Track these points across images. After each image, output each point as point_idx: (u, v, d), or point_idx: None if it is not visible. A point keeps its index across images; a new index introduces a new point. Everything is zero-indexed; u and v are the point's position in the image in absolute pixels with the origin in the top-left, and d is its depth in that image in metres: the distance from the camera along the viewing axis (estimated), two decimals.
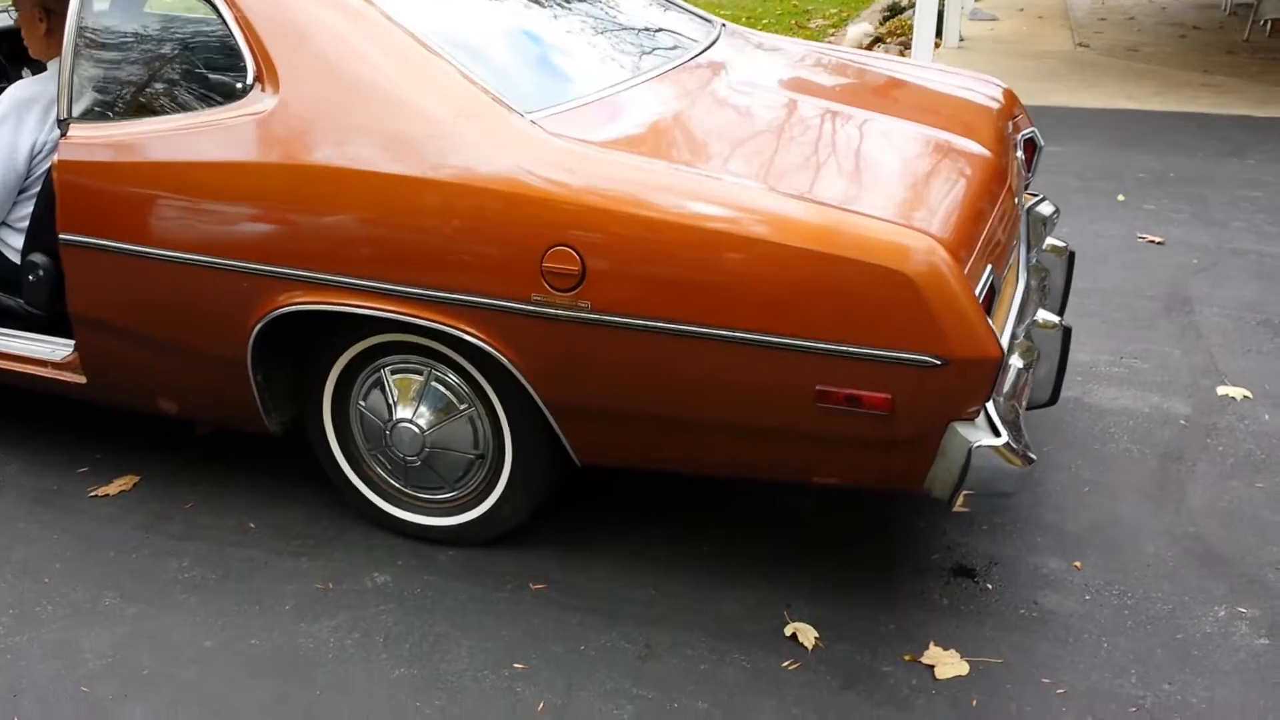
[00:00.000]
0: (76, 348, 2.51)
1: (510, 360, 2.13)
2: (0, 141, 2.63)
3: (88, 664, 2.10)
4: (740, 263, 1.94)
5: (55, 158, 2.37)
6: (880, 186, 2.16)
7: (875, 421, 1.95)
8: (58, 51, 2.72)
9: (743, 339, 1.95)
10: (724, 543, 2.47)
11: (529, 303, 2.07)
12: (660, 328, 2.00)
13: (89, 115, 2.40)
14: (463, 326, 2.14)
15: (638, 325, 2.02)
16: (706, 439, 2.14)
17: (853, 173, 2.23)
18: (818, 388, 1.95)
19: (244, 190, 2.22)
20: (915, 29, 6.72)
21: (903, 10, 10.62)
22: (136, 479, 2.68)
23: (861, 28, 9.20)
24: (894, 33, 9.14)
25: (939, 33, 7.53)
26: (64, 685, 2.05)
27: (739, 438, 2.11)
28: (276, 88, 2.22)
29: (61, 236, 2.38)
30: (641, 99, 2.43)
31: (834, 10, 11.79)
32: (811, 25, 10.29)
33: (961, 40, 8.64)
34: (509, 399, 2.27)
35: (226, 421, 2.58)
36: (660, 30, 2.94)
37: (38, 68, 3.21)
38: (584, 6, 2.84)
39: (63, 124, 2.40)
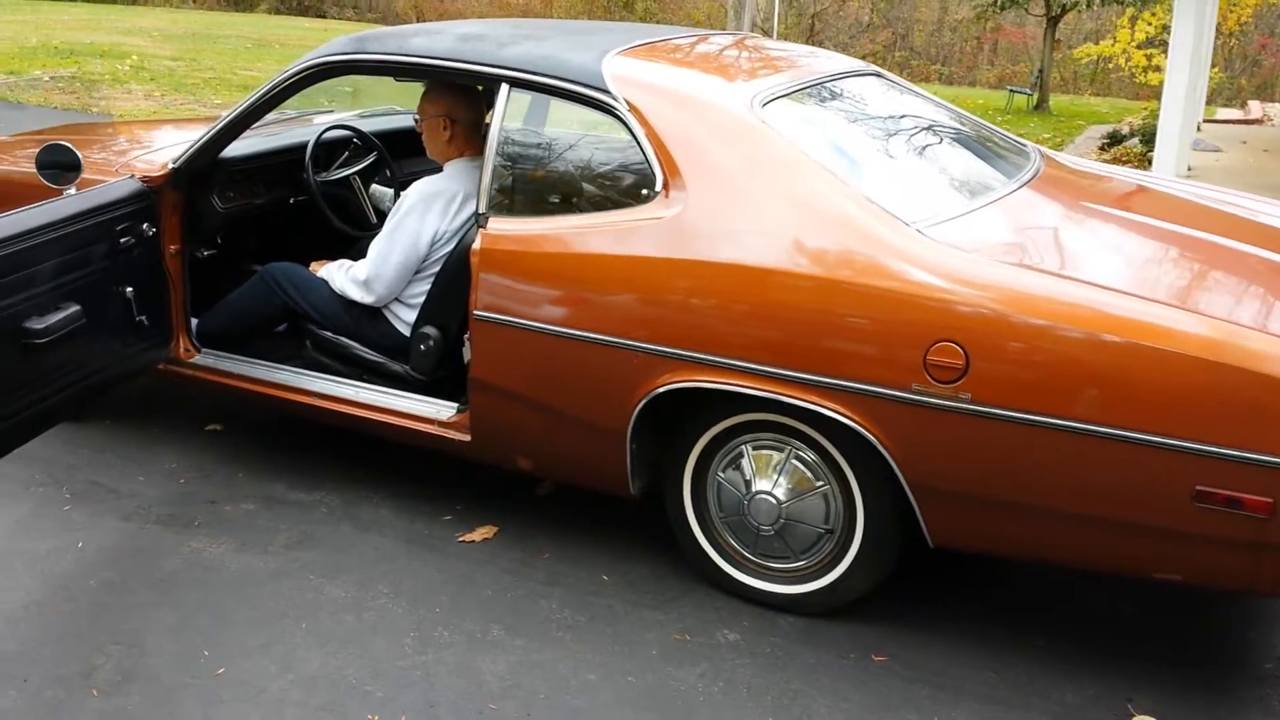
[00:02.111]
0: (469, 409, 2.87)
1: (881, 442, 2.36)
2: (408, 229, 3.07)
3: (490, 686, 2.38)
4: (1125, 367, 2.13)
5: (475, 246, 2.75)
6: (1249, 301, 2.33)
7: (1251, 524, 2.08)
8: (457, 154, 3.18)
9: (1125, 437, 2.12)
10: (1055, 635, 2.60)
11: (909, 391, 2.30)
12: (1039, 421, 2.20)
13: (504, 211, 2.79)
14: (838, 409, 2.38)
15: (1016, 418, 2.22)
16: (1067, 529, 2.30)
17: (1221, 286, 2.41)
18: (1197, 488, 2.09)
19: (649, 281, 2.54)
20: (1156, 159, 6.81)
21: (1123, 139, 10.66)
22: (496, 529, 3.00)
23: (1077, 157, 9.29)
24: (1119, 160, 9.19)
25: None
26: (473, 702, 2.33)
27: (1100, 530, 2.26)
28: (682, 194, 2.55)
29: (475, 313, 2.75)
30: (1008, 212, 2.69)
31: (1046, 135, 11.90)
32: None
33: (1190, 169, 8.63)
34: (865, 478, 2.49)
35: (587, 481, 2.88)
36: (999, 151, 3.20)
37: (425, 168, 3.67)
38: (932, 130, 3.13)
39: (480, 218, 2.79)
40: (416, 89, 3.47)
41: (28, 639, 2.47)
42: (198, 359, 3.28)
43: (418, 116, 3.21)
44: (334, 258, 3.38)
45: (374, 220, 3.59)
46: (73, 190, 2.88)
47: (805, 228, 2.44)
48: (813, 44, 29.84)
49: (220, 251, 3.47)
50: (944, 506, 2.39)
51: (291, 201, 3.54)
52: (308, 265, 3.32)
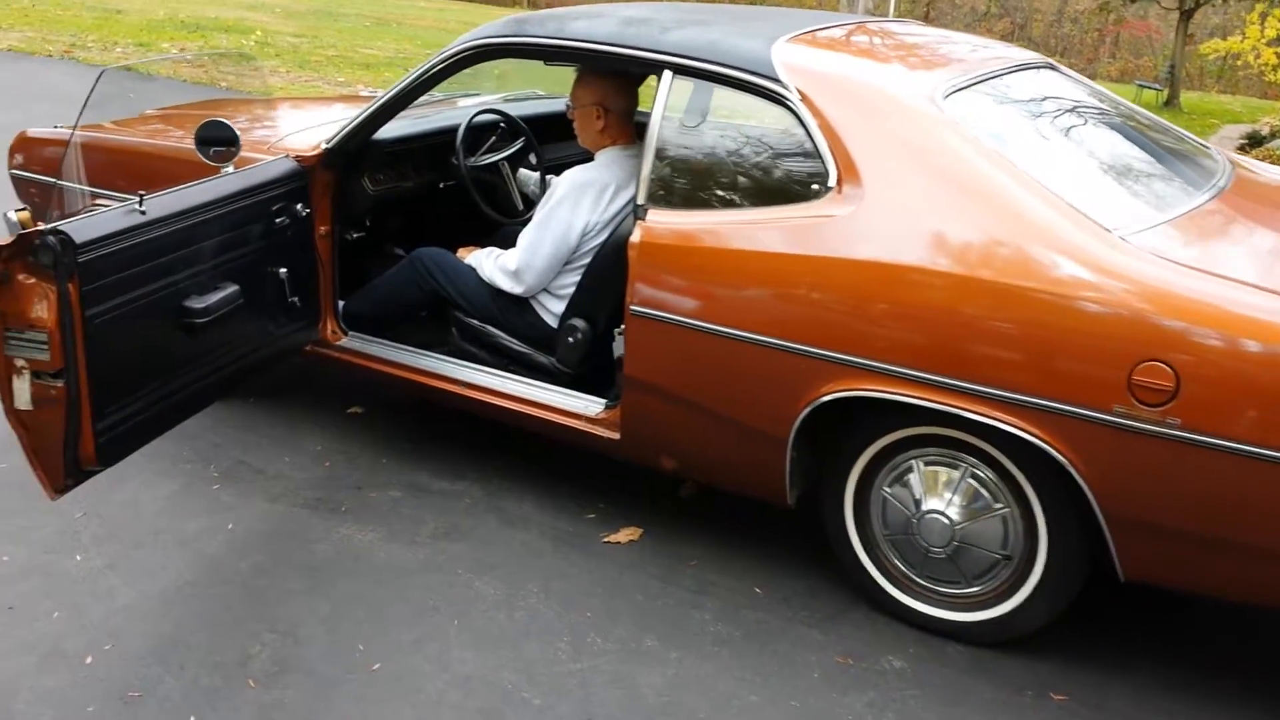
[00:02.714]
0: (619, 406, 2.78)
1: (1074, 466, 2.20)
2: (559, 219, 2.99)
3: (648, 699, 2.29)
4: None
5: (633, 239, 2.65)
6: None
7: None
8: (610, 143, 3.09)
9: None
10: (1249, 678, 2.41)
11: (1109, 413, 2.13)
12: (1256, 453, 2.02)
13: (663, 203, 2.67)
14: (1027, 427, 2.22)
15: (1230, 448, 2.04)
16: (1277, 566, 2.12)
17: None
18: None
19: (819, 282, 2.41)
20: None
21: (1264, 140, 10.14)
22: (640, 531, 2.91)
23: None
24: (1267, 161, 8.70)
25: None
26: (632, 715, 2.24)
27: None
28: (858, 191, 2.42)
29: (631, 308, 2.65)
30: (1208, 221, 2.50)
31: None
32: None
33: None
34: (1051, 504, 2.33)
35: (739, 487, 2.78)
36: (1187, 153, 2.99)
37: (570, 154, 3.59)
38: (1116, 129, 2.93)
39: (638, 210, 2.69)
40: (559, 74, 3.40)
41: (182, 622, 2.46)
42: (344, 342, 3.26)
43: (570, 103, 3.12)
44: (478, 243, 3.33)
45: (520, 207, 3.53)
46: (230, 168, 2.87)
47: (996, 232, 2.28)
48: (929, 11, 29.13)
49: (366, 234, 3.44)
50: (1141, 538, 2.22)
51: (441, 186, 3.49)
52: (452, 250, 3.27)
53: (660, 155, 2.70)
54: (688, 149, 2.75)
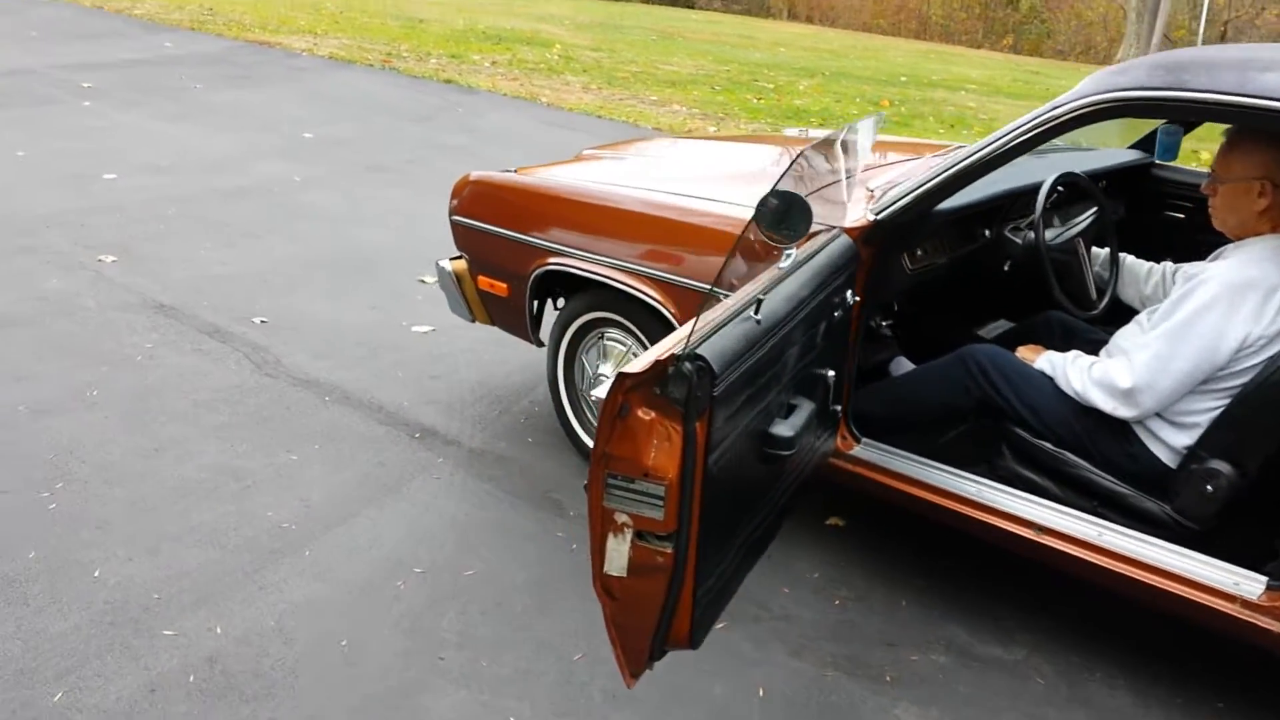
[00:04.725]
0: None
1: None
2: (1206, 329, 2.26)
3: None
4: None
5: None
6: None
7: None
8: (1270, 228, 2.34)
9: None
10: None
11: None
12: None
13: None
14: None
15: None
16: None
17: None
18: None
19: None
20: None
21: None
22: None
23: None
24: None
25: None
26: None
27: None
28: None
29: None
30: None
31: None
32: None
33: None
34: None
35: None
36: None
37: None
38: None
39: None
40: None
41: None
42: (856, 450, 2.65)
43: (1214, 175, 2.40)
44: (1039, 342, 2.67)
45: (1093, 296, 2.82)
46: (794, 251, 2.28)
47: None
48: None
49: (895, 322, 2.83)
50: None
51: (1006, 268, 2.82)
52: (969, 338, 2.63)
53: None
54: None
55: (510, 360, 3.91)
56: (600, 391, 1.74)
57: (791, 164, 1.99)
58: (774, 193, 2.27)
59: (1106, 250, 2.91)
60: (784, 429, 2.00)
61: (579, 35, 15.23)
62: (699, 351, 1.65)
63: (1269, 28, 29.94)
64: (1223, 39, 27.08)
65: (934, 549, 2.82)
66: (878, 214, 2.52)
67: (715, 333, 1.75)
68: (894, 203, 2.50)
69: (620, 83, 11.05)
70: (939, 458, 2.60)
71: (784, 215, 2.26)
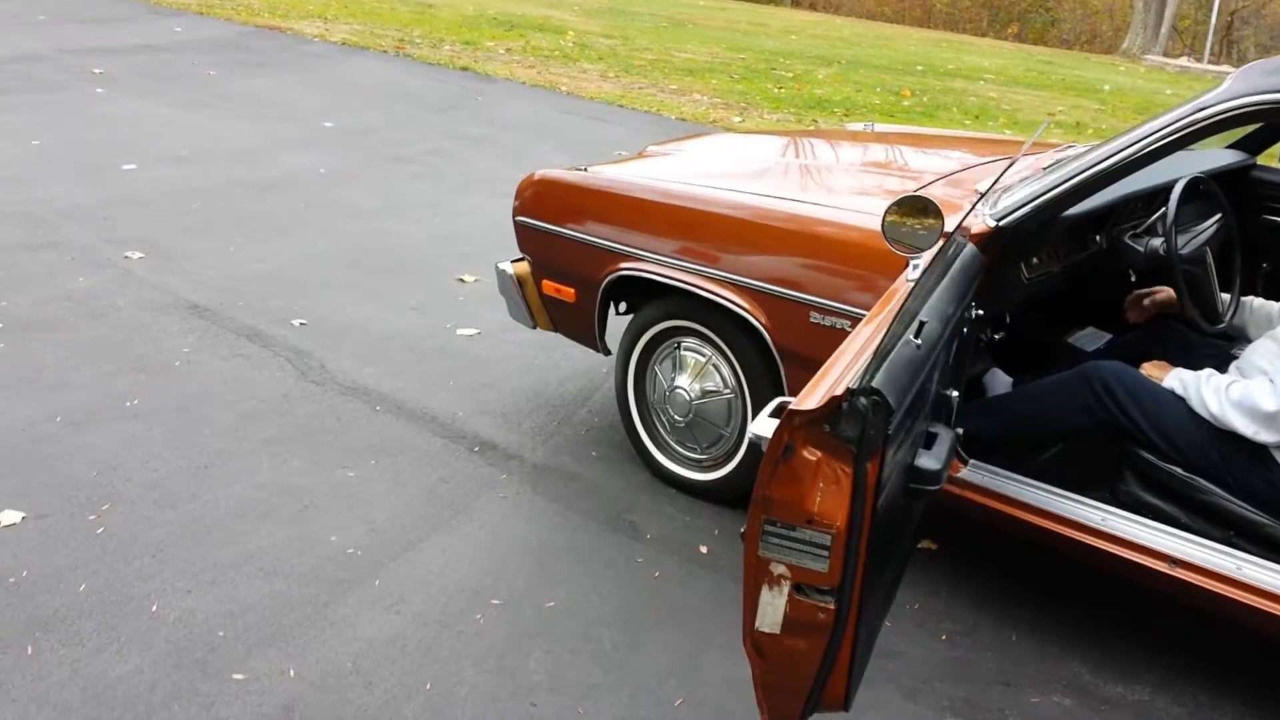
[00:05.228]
0: None
1: None
2: None
3: None
4: None
5: None
6: None
7: None
8: None
9: None
10: None
11: None
12: None
13: None
14: None
15: None
16: None
17: None
18: None
19: None
20: None
21: None
22: None
23: None
24: None
25: None
26: None
27: None
28: None
29: None
30: None
31: None
32: None
33: None
34: None
35: None
36: None
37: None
38: None
39: None
40: None
41: None
42: (964, 473, 2.47)
43: None
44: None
45: (1219, 309, 2.64)
46: (920, 261, 2.09)
47: None
48: (1232, 48, 26.20)
49: (1007, 334, 2.65)
50: None
51: (1131, 276, 2.63)
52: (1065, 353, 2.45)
53: None
54: None
55: (562, 366, 3.73)
56: (760, 428, 1.56)
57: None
58: (910, 199, 2.08)
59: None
60: (930, 461, 1.81)
61: (590, 21, 14.98)
62: (874, 384, 1.47)
63: (1275, 18, 29.73)
64: (1229, 29, 26.87)
65: (1029, 572, 2.66)
66: (999, 220, 2.33)
67: (884, 361, 1.56)
68: (1018, 207, 2.31)
69: (638, 70, 10.83)
70: (1043, 480, 2.42)
71: (914, 220, 2.07)
